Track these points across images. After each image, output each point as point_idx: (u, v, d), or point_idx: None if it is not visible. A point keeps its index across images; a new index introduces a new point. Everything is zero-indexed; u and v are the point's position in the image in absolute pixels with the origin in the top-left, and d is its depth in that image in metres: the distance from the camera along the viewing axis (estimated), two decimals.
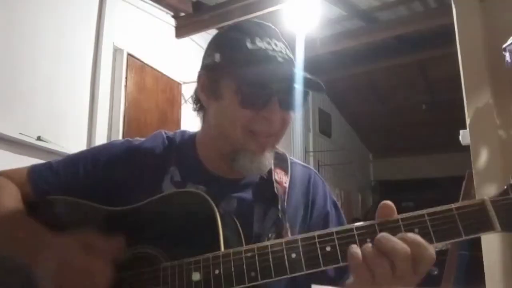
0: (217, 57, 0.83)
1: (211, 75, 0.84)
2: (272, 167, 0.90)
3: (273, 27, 0.86)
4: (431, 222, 0.61)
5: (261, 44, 0.79)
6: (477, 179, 2.19)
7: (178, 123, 4.20)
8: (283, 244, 0.64)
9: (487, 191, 2.14)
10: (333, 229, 0.65)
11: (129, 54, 3.75)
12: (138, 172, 0.88)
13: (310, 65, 6.23)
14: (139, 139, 0.94)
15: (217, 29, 4.43)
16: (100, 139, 3.38)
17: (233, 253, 0.66)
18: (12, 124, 2.72)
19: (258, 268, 0.64)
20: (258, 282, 0.64)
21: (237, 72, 0.79)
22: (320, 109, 7.55)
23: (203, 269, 0.67)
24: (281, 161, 0.94)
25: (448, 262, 2.70)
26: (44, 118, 2.97)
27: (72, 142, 3.15)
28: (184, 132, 0.97)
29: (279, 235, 0.83)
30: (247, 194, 0.88)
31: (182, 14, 4.47)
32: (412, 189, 7.91)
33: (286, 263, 0.63)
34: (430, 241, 0.61)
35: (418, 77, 6.86)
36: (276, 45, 0.81)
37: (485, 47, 2.29)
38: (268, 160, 0.84)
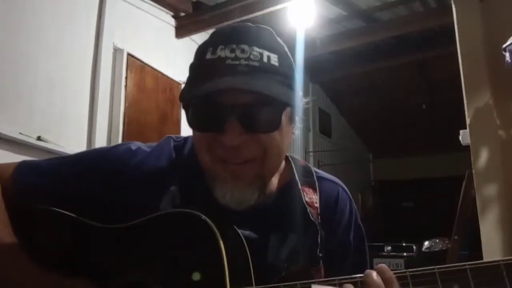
0: (189, 72, 0.74)
1: (182, 93, 0.74)
2: (299, 185, 0.77)
3: (259, 29, 0.73)
4: (473, 274, 0.56)
5: (221, 52, 0.66)
6: (477, 179, 2.19)
7: (178, 123, 4.21)
8: (298, 285, 0.57)
9: (487, 191, 2.14)
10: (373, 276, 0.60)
11: (129, 54, 3.75)
12: (135, 188, 0.75)
13: (310, 65, 6.24)
14: (143, 148, 0.81)
15: (217, 29, 4.43)
16: (100, 139, 3.38)
17: None
18: (12, 124, 2.72)
19: None
20: None
21: (190, 89, 0.69)
22: (320, 109, 7.55)
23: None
24: (306, 175, 0.80)
25: (448, 262, 2.70)
26: (44, 118, 2.97)
27: (72, 142, 3.15)
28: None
29: (307, 268, 0.72)
30: (261, 220, 0.73)
31: (182, 14, 4.47)
32: (412, 189, 7.90)
33: None
34: None
35: (418, 77, 6.86)
36: (243, 51, 0.66)
37: (485, 47, 2.29)
38: (250, 195, 0.69)
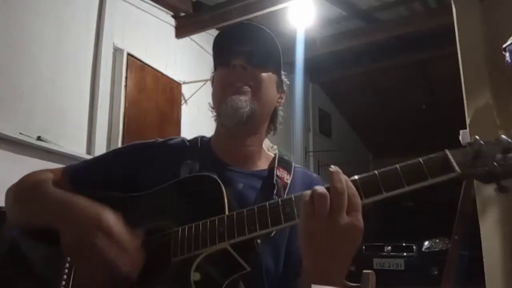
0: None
1: (214, 66, 1.04)
2: (276, 165, 1.02)
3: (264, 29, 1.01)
4: (402, 170, 0.70)
5: (241, 19, 1.03)
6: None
7: (178, 123, 4.21)
8: (279, 201, 0.73)
9: (487, 191, 2.14)
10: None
11: (129, 54, 3.75)
12: (161, 162, 0.99)
13: (310, 65, 6.25)
14: (161, 139, 1.08)
15: (217, 29, 4.44)
16: (100, 139, 3.38)
17: (236, 214, 0.76)
18: (12, 124, 2.72)
19: (256, 220, 0.73)
20: (257, 233, 0.72)
21: (216, 46, 1.01)
22: (320, 109, 7.56)
23: (209, 227, 0.76)
24: (285, 164, 1.04)
25: (448, 262, 2.70)
26: (44, 118, 2.97)
27: (72, 142, 3.15)
28: (204, 136, 1.11)
29: None
30: (253, 183, 0.98)
31: (182, 14, 4.47)
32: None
33: (282, 215, 0.72)
34: (402, 186, 0.69)
35: (418, 77, 6.87)
36: (251, 23, 0.99)
37: (485, 47, 2.29)
38: (243, 103, 0.95)
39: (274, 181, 0.97)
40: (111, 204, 0.87)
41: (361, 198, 0.69)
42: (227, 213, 0.78)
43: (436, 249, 5.53)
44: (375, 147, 9.70)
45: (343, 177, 0.69)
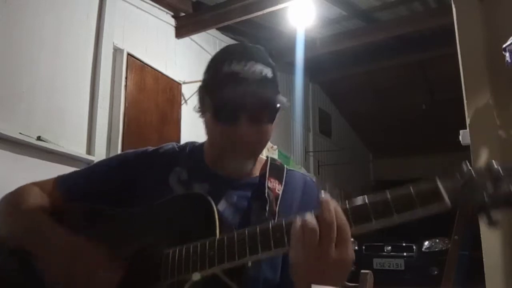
0: (205, 77, 0.98)
1: (200, 93, 1.00)
2: (267, 175, 1.02)
3: (259, 49, 0.98)
4: (392, 198, 0.69)
5: (235, 67, 0.90)
6: None
7: (178, 123, 4.21)
8: (270, 226, 0.73)
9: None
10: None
11: (129, 54, 3.75)
12: (149, 171, 1.01)
13: (310, 65, 6.25)
14: (153, 147, 1.09)
15: (217, 29, 4.44)
16: (100, 139, 3.38)
17: (226, 238, 0.76)
18: (12, 124, 2.72)
19: (247, 246, 0.73)
20: (247, 258, 0.72)
21: (213, 92, 0.93)
22: (320, 109, 7.56)
23: (200, 250, 0.76)
24: (277, 171, 1.05)
25: (448, 262, 2.70)
26: (44, 118, 2.97)
27: (72, 142, 3.15)
28: (194, 142, 1.12)
29: None
30: (246, 192, 0.99)
31: (182, 14, 4.47)
32: None
33: (272, 241, 0.71)
34: (390, 214, 0.68)
35: (418, 77, 6.87)
36: (252, 66, 0.91)
37: (485, 47, 2.29)
38: (247, 165, 0.96)
39: (266, 195, 0.97)
40: (100, 221, 0.92)
41: (350, 226, 0.69)
42: (218, 235, 0.78)
43: (436, 249, 5.54)
44: (375, 147, 9.70)
45: (333, 206, 0.69)
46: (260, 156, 1.08)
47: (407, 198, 0.68)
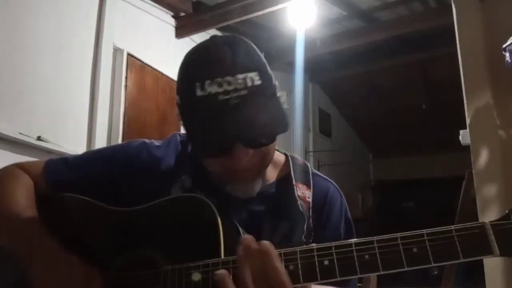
0: (177, 98, 0.81)
1: (179, 116, 0.83)
2: (293, 181, 0.87)
3: (230, 47, 0.76)
4: (430, 242, 0.61)
5: (210, 88, 0.72)
6: (477, 179, 2.19)
7: (178, 123, 4.20)
8: (282, 255, 0.64)
9: (487, 191, 2.14)
10: (332, 243, 0.64)
11: (129, 54, 3.75)
12: (150, 178, 0.87)
13: (310, 65, 6.24)
14: (155, 143, 0.94)
15: (217, 29, 4.44)
16: (100, 139, 3.38)
17: (232, 261, 0.67)
18: (12, 124, 2.72)
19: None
20: None
21: (191, 123, 0.78)
22: (320, 109, 7.55)
23: (202, 274, 0.68)
24: (303, 174, 0.90)
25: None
26: (44, 118, 2.97)
27: (72, 142, 3.15)
28: None
29: None
30: (259, 207, 0.84)
31: (182, 14, 4.47)
32: (412, 189, 7.91)
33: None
34: (428, 262, 0.60)
35: (418, 77, 6.86)
36: (229, 83, 0.72)
37: (485, 47, 2.29)
38: (256, 187, 0.81)
39: (300, 208, 0.82)
40: (94, 218, 0.82)
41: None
42: (222, 256, 0.69)
43: None
44: (375, 147, 9.69)
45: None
46: (277, 153, 0.91)
47: (451, 247, 0.59)
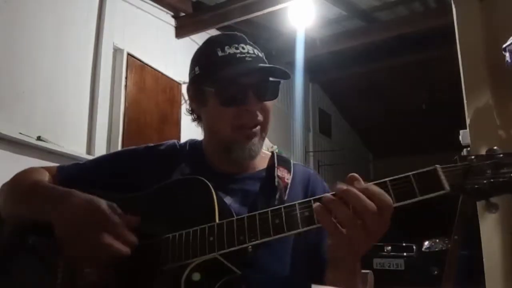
0: (197, 69, 0.97)
1: (196, 86, 0.97)
2: (276, 165, 1.01)
3: (240, 34, 0.99)
4: (392, 186, 0.70)
5: (229, 50, 0.93)
6: None
7: (178, 123, 4.21)
8: (269, 212, 0.74)
9: None
10: (312, 198, 0.73)
11: (129, 54, 3.75)
12: (153, 167, 1.00)
13: (310, 65, 6.24)
14: (155, 143, 1.08)
15: (217, 29, 4.44)
16: (100, 139, 3.38)
17: (225, 223, 0.76)
18: (12, 124, 2.72)
19: (246, 232, 0.73)
20: (246, 244, 0.73)
21: (214, 77, 0.92)
22: (320, 109, 7.56)
23: (200, 236, 0.77)
24: (284, 162, 1.04)
25: (448, 262, 2.70)
26: (44, 118, 2.97)
27: (72, 142, 3.15)
28: (194, 140, 1.10)
29: None
30: (251, 187, 0.97)
31: (182, 14, 4.47)
32: None
33: (271, 226, 0.72)
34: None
35: (418, 77, 6.86)
36: (243, 48, 0.94)
37: (485, 47, 2.29)
38: (257, 146, 0.95)
39: (276, 183, 0.96)
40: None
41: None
42: (217, 220, 0.78)
43: (436, 249, 5.53)
44: (375, 147, 9.70)
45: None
46: (264, 151, 1.07)
47: (408, 186, 0.69)
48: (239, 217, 0.76)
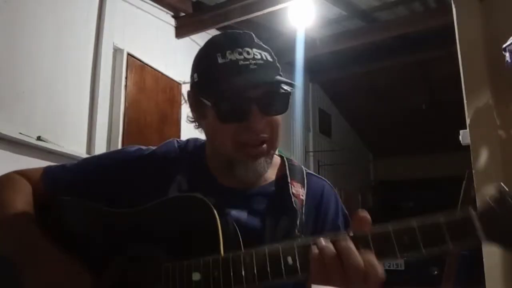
0: (195, 76, 0.85)
1: (194, 94, 0.87)
2: (288, 179, 0.90)
3: (247, 34, 0.86)
4: (420, 231, 0.62)
5: (231, 56, 0.79)
6: (477, 179, 2.19)
7: (178, 123, 4.21)
8: (280, 250, 0.65)
9: (487, 191, 2.14)
10: (327, 239, 0.66)
11: (129, 54, 3.75)
12: (146, 179, 0.89)
13: (310, 65, 6.24)
14: (151, 148, 0.96)
15: (217, 29, 4.44)
16: (100, 139, 3.38)
17: (232, 257, 0.68)
18: (12, 124, 2.72)
19: (255, 270, 0.66)
20: (255, 284, 0.65)
21: (212, 89, 0.81)
22: (320, 109, 7.55)
23: (202, 271, 0.69)
24: (297, 173, 0.93)
25: (448, 262, 2.70)
26: (44, 118, 2.97)
27: (72, 142, 3.15)
28: (196, 140, 0.98)
29: None
30: (258, 205, 0.87)
31: (182, 14, 4.47)
32: (412, 189, 7.90)
33: (283, 269, 0.64)
34: (419, 251, 0.61)
35: (418, 77, 6.86)
36: (248, 53, 0.80)
37: (485, 47, 2.29)
38: (264, 166, 0.84)
39: (294, 204, 0.84)
40: (93, 220, 0.83)
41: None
42: (222, 253, 0.70)
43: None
44: (375, 147, 9.69)
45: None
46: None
47: (438, 232, 0.60)
48: (247, 251, 0.67)
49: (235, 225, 0.78)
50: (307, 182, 0.92)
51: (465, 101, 2.29)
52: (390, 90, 7.31)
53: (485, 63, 2.26)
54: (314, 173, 1.00)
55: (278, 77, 0.80)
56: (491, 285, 2.06)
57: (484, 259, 2.08)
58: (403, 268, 5.55)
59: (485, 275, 2.08)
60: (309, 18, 4.41)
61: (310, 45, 5.12)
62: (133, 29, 3.89)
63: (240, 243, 0.74)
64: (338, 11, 4.75)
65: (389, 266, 5.59)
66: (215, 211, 0.74)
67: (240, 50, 0.80)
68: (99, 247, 0.80)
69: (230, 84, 0.78)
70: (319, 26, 4.88)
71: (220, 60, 0.80)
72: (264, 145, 0.83)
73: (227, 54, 0.80)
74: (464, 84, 2.32)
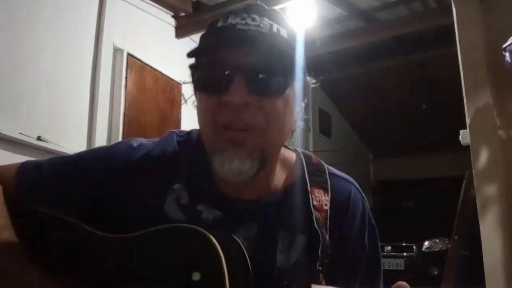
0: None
1: (191, 67, 0.70)
2: (309, 187, 0.72)
3: (262, 4, 0.70)
4: None
5: (232, 20, 0.65)
6: (477, 179, 2.19)
7: (178, 123, 4.21)
8: None
9: (487, 191, 2.14)
10: None
11: (129, 54, 3.75)
12: (137, 189, 0.73)
13: (310, 65, 6.23)
14: (146, 144, 0.78)
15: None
16: (100, 139, 3.38)
17: None
18: (12, 124, 2.72)
19: None
20: None
21: (198, 54, 0.67)
22: (320, 109, 7.55)
23: None
24: (318, 175, 0.75)
25: (448, 262, 2.70)
26: (44, 118, 2.97)
27: (72, 142, 3.15)
28: (199, 134, 0.77)
29: (303, 281, 0.65)
30: (269, 217, 0.70)
31: (182, 14, 4.47)
32: (412, 189, 7.90)
33: None
34: None
35: (418, 77, 6.86)
36: (254, 19, 0.64)
37: (485, 47, 2.29)
38: (248, 165, 0.65)
39: (316, 225, 0.67)
40: (71, 242, 0.70)
41: None
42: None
43: (436, 249, 5.53)
44: (375, 147, 9.69)
45: None
46: (286, 150, 0.78)
47: None
48: None
49: (245, 258, 0.61)
50: (331, 186, 0.73)
51: (465, 101, 2.29)
52: (390, 90, 7.31)
53: (485, 63, 2.26)
54: (336, 171, 0.80)
55: (279, 54, 0.64)
56: (491, 285, 2.05)
57: (484, 259, 2.08)
58: (403, 268, 5.55)
59: (485, 275, 2.07)
60: (309, 18, 4.41)
61: (310, 45, 5.12)
62: (133, 29, 3.89)
63: (249, 284, 0.60)
64: (338, 11, 4.76)
65: (389, 266, 5.59)
66: (220, 251, 0.58)
67: (245, 15, 0.65)
68: (77, 274, 0.67)
69: (216, 46, 0.64)
70: (319, 26, 4.88)
71: (219, 24, 0.67)
72: (251, 133, 0.64)
73: (229, 19, 0.65)
74: (464, 84, 2.32)
